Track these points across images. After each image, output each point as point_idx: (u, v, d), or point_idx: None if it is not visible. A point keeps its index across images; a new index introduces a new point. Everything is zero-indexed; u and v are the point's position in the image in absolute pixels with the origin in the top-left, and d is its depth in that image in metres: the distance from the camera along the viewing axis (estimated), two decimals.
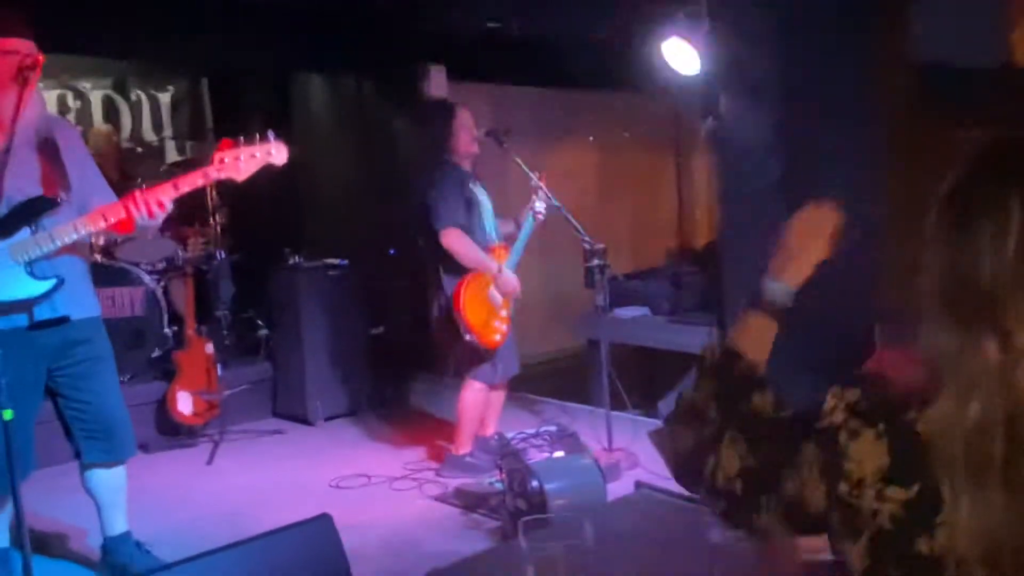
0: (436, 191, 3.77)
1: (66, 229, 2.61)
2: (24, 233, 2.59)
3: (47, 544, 3.30)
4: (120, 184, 5.37)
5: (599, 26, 4.83)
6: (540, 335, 6.09)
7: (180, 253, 5.13)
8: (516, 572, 2.13)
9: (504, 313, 3.91)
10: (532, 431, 3.20)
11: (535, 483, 2.93)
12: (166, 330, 4.90)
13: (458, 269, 3.79)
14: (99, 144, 5.74)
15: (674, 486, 3.10)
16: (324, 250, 5.36)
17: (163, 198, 2.64)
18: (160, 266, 5.09)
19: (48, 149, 2.69)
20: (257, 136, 2.72)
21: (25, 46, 2.60)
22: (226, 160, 2.69)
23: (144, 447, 4.56)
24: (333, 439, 4.71)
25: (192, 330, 4.75)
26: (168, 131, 6.52)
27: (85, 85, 6.15)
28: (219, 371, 4.74)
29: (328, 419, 4.96)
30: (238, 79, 6.38)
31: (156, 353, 4.85)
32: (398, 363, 5.39)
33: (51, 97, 5.95)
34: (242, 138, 2.72)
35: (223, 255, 5.40)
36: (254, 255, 5.48)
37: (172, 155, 6.51)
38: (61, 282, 2.65)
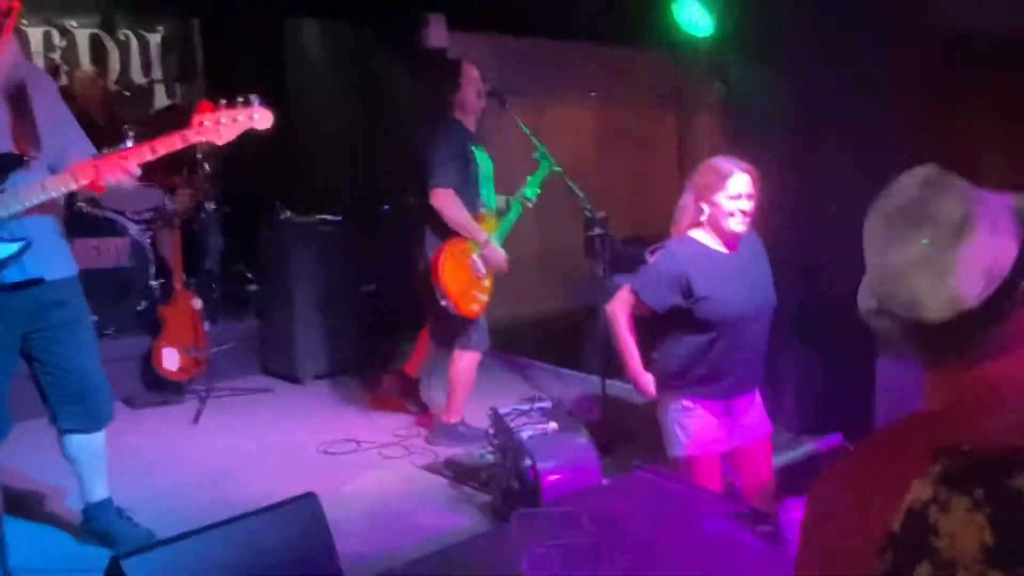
0: (435, 147, 3.63)
1: (33, 189, 2.49)
2: None
3: (26, 505, 3.22)
4: (107, 128, 5.23)
5: None
6: (535, 293, 5.99)
7: (168, 203, 4.98)
8: (508, 565, 2.07)
9: (486, 284, 3.79)
10: (526, 406, 3.11)
11: (528, 461, 2.85)
12: (152, 282, 4.78)
13: (444, 232, 3.67)
14: (84, 87, 5.56)
15: (671, 467, 3.01)
16: (317, 204, 5.22)
17: (135, 161, 2.51)
18: (147, 216, 4.94)
19: (20, 102, 2.54)
20: (240, 99, 2.60)
21: None
22: (206, 123, 2.58)
23: (129, 402, 4.49)
24: (322, 399, 4.63)
25: (179, 284, 4.62)
26: (157, 73, 6.29)
27: (71, 23, 5.90)
28: (206, 327, 4.63)
29: (317, 378, 4.89)
30: (231, 22, 6.14)
31: (142, 306, 4.73)
32: (389, 322, 5.29)
33: (36, 34, 5.73)
34: (224, 101, 2.59)
35: (212, 207, 5.26)
36: (244, 208, 5.33)
37: (161, 99, 6.29)
38: (28, 244, 2.53)
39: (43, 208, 2.58)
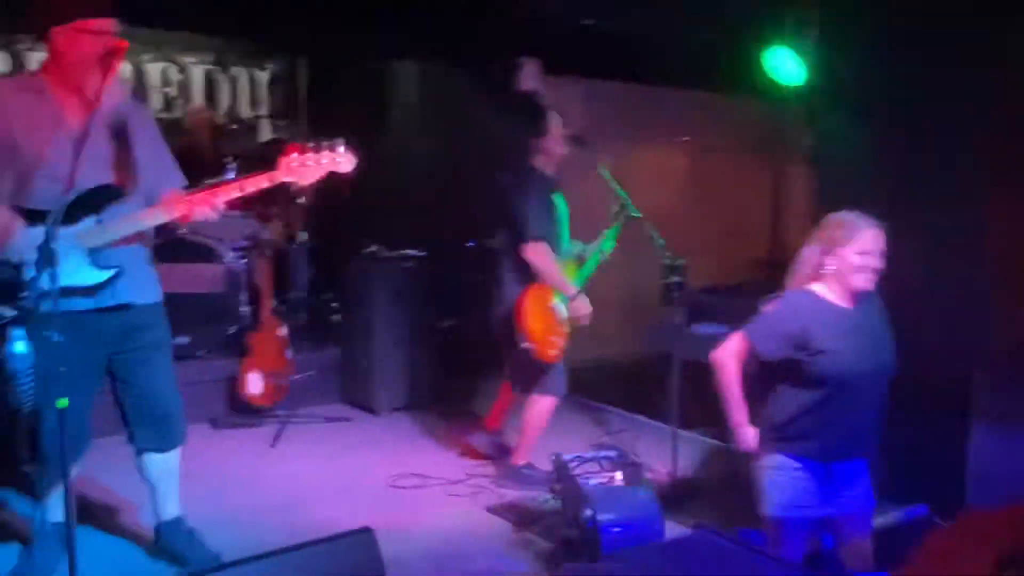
0: (525, 199, 3.68)
1: (129, 220, 2.63)
2: (89, 222, 2.61)
3: (103, 518, 3.37)
4: (212, 160, 5.51)
5: (701, 28, 4.60)
6: (614, 337, 5.92)
7: (263, 233, 5.19)
8: None
9: (565, 330, 3.79)
10: (591, 454, 3.06)
11: (588, 512, 2.80)
12: (243, 308, 4.97)
13: (528, 277, 3.69)
14: (195, 121, 5.88)
15: (734, 529, 2.91)
16: (406, 238, 5.33)
17: (223, 199, 2.64)
18: (243, 244, 5.16)
19: (122, 137, 2.70)
20: (326, 142, 2.70)
21: (109, 25, 2.60)
22: (293, 164, 2.67)
23: (213, 423, 4.66)
24: (395, 431, 4.69)
25: (267, 311, 4.79)
26: (263, 109, 6.61)
27: (188, 59, 6.28)
28: (290, 354, 4.77)
29: (394, 410, 4.95)
30: (335, 62, 6.41)
31: (232, 330, 4.92)
32: (467, 358, 5.33)
33: (155, 69, 6.11)
34: (311, 144, 2.69)
35: (304, 237, 5.46)
36: (334, 240, 5.50)
37: (266, 133, 6.60)
38: (121, 272, 2.66)
39: (136, 237, 2.73)
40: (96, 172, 2.63)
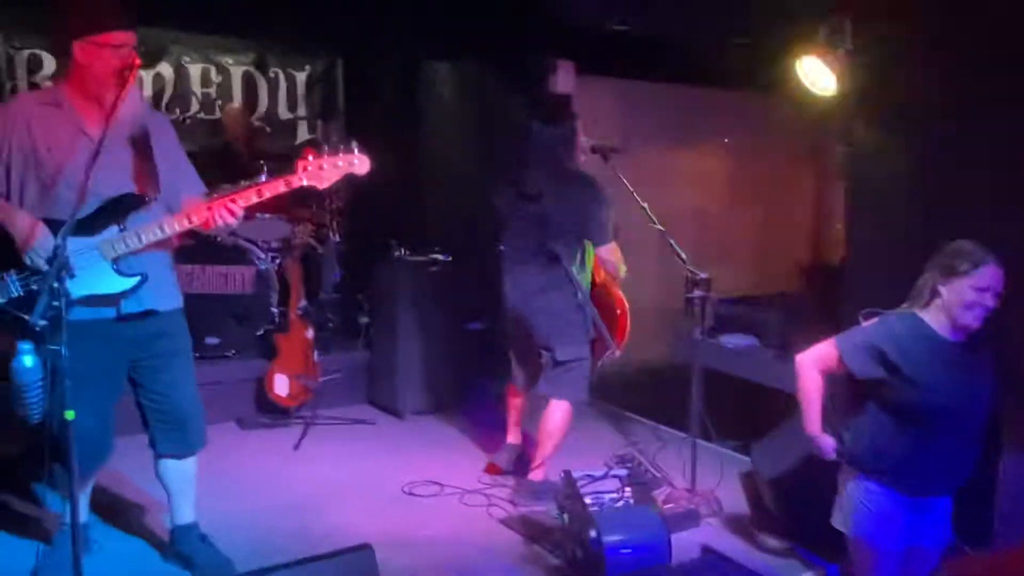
0: (598, 204, 3.69)
1: (152, 228, 2.67)
2: (112, 231, 2.66)
3: (128, 516, 3.45)
4: (248, 160, 5.59)
5: (735, 33, 4.50)
6: (646, 341, 5.85)
7: (294, 235, 5.25)
8: None
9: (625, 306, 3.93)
10: (601, 472, 3.03)
11: (594, 533, 2.77)
12: (273, 309, 5.04)
13: (562, 279, 3.71)
14: (232, 121, 5.98)
15: (743, 555, 2.87)
16: (439, 240, 5.32)
17: (243, 204, 2.66)
18: (275, 245, 5.23)
19: (141, 145, 2.75)
20: (342, 145, 2.73)
21: (130, 40, 2.64)
22: (309, 168, 2.70)
23: (240, 422, 4.74)
24: (418, 435, 4.71)
25: (295, 313, 4.85)
26: (302, 110, 6.68)
27: (228, 61, 6.36)
28: (316, 357, 4.82)
29: (417, 413, 4.97)
30: (372, 62, 6.44)
31: (261, 331, 4.99)
32: (493, 362, 5.32)
33: (195, 71, 6.21)
34: (326, 147, 2.72)
35: (336, 240, 5.50)
36: (365, 242, 5.53)
37: (303, 134, 6.67)
38: (145, 278, 2.71)
39: (158, 244, 2.77)
40: (115, 181, 2.68)
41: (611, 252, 3.78)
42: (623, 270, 3.89)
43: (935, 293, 2.49)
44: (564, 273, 3.66)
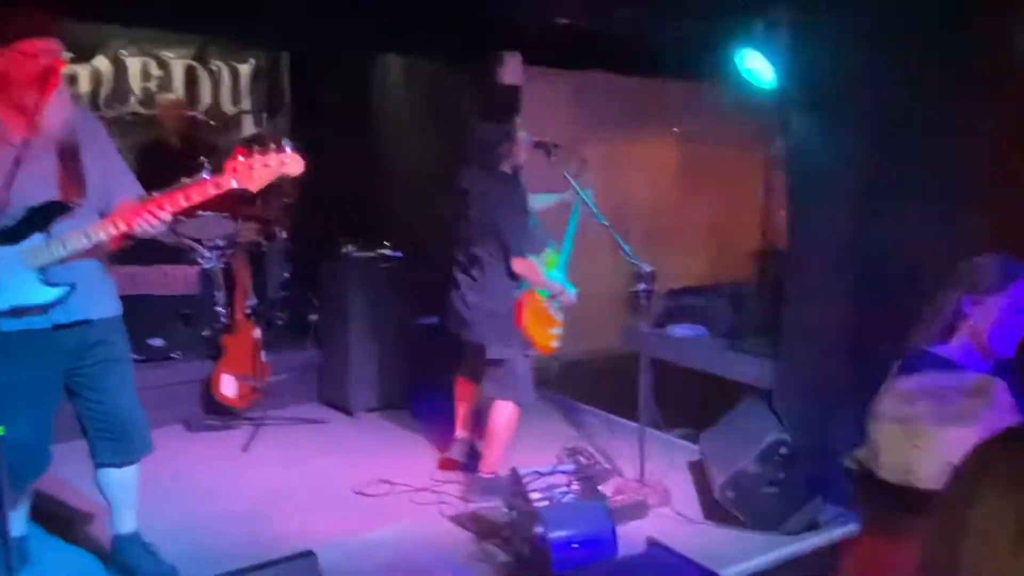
0: (510, 214, 3.68)
1: (77, 235, 2.60)
2: (36, 239, 2.58)
3: (72, 523, 3.38)
4: (185, 155, 5.46)
5: (676, 28, 4.52)
6: (592, 330, 5.89)
7: (239, 233, 5.16)
8: None
9: (560, 321, 3.89)
10: (548, 469, 3.05)
11: (540, 530, 2.79)
12: (219, 309, 4.96)
13: (511, 280, 3.73)
14: (165, 113, 5.80)
15: (688, 548, 2.90)
16: (389, 236, 5.28)
17: (170, 209, 2.59)
18: (219, 244, 5.14)
19: (69, 150, 2.67)
20: (273, 145, 2.64)
21: (51, 46, 2.56)
22: (239, 169, 2.60)
23: (187, 424, 4.67)
24: (369, 433, 4.69)
25: (240, 313, 4.78)
26: (246, 103, 6.57)
27: (168, 54, 6.23)
28: (264, 357, 4.76)
29: (368, 410, 4.95)
30: (319, 56, 6.35)
31: (207, 332, 4.91)
32: (444, 359, 5.30)
33: (135, 64, 6.07)
34: (256, 147, 2.63)
35: (283, 236, 5.43)
36: (313, 239, 5.46)
37: (249, 128, 6.56)
38: (72, 288, 2.64)
39: (90, 251, 2.70)
40: (39, 189, 2.60)
41: (523, 267, 3.67)
42: (549, 293, 3.84)
43: (960, 317, 2.12)
44: (495, 273, 3.67)
